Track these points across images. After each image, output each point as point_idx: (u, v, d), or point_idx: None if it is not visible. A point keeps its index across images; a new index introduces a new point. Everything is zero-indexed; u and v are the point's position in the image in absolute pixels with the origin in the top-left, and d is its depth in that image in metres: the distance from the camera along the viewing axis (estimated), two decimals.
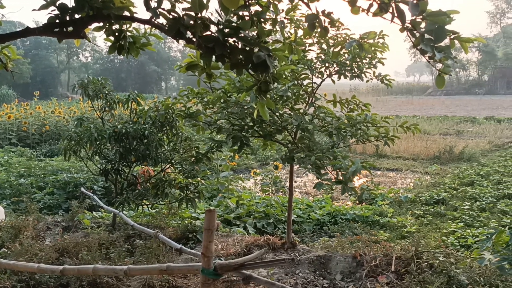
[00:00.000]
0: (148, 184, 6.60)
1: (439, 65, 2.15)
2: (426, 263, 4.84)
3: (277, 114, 5.24)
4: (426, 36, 1.98)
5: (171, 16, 2.35)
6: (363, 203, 9.68)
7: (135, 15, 2.70)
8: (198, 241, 6.23)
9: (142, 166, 6.99)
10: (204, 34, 2.46)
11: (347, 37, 5.02)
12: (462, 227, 8.11)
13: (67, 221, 7.35)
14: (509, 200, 10.21)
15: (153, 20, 2.43)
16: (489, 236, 3.21)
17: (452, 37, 2.07)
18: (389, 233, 7.87)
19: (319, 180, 4.33)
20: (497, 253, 3.03)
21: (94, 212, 8.02)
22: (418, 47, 2.00)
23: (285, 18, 4.09)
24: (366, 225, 8.33)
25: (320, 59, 5.53)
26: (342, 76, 5.55)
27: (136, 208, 6.93)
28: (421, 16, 1.95)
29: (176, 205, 6.61)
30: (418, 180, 13.08)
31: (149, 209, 7.59)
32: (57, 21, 2.53)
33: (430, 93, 75.54)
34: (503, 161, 15.58)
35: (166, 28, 2.39)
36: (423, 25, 2.00)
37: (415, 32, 2.00)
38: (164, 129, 6.29)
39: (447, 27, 2.11)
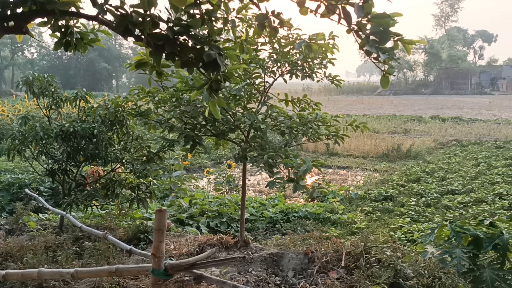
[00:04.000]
0: (97, 184, 6.43)
1: (384, 66, 2.22)
2: (374, 258, 4.98)
3: (230, 113, 5.24)
4: (372, 37, 2.04)
5: (118, 13, 2.30)
6: (315, 201, 9.85)
7: (81, 10, 2.62)
8: (150, 241, 6.14)
9: (91, 166, 6.80)
10: (154, 31, 2.42)
11: (299, 38, 5.09)
12: (409, 222, 8.43)
13: (11, 224, 7.05)
14: (452, 195, 10.70)
15: (100, 16, 2.37)
16: (431, 230, 3.35)
17: (396, 39, 2.15)
18: (340, 230, 8.07)
19: (272, 178, 4.38)
20: (439, 247, 3.17)
21: (40, 214, 7.73)
22: (364, 48, 2.06)
23: (236, 17, 4.09)
24: (318, 222, 8.49)
25: (272, 58, 5.57)
26: (294, 76, 5.61)
27: (85, 209, 6.74)
28: (366, 18, 2.01)
29: (127, 206, 6.48)
30: (367, 178, 13.46)
31: (99, 210, 7.40)
32: None
33: (379, 93, 77.80)
34: (447, 158, 16.31)
35: (114, 25, 2.33)
36: (368, 26, 2.06)
37: (361, 33, 2.06)
38: (114, 128, 6.14)
39: (391, 29, 2.19)
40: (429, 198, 10.33)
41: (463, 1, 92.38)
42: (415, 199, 10.31)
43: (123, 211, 6.93)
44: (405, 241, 7.27)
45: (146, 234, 6.32)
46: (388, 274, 4.63)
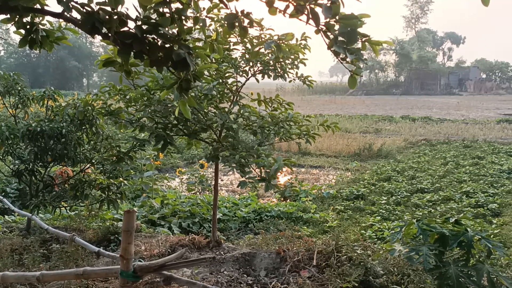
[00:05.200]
0: (66, 185, 6.30)
1: (352, 67, 2.25)
2: (345, 256, 5.03)
3: (201, 112, 5.21)
4: (340, 38, 2.06)
5: (84, 10, 2.25)
6: (288, 200, 9.90)
7: (46, 7, 2.55)
8: (120, 242, 6.04)
9: (60, 166, 6.65)
10: (121, 30, 2.38)
11: (271, 38, 5.09)
12: (379, 221, 8.56)
13: None
14: (421, 194, 10.93)
15: (65, 14, 2.31)
16: (399, 228, 3.41)
17: (363, 40, 2.17)
18: (312, 229, 8.12)
19: (244, 178, 4.37)
20: (407, 245, 3.23)
21: (6, 216, 7.52)
22: (332, 49, 2.08)
23: (206, 16, 4.07)
24: (290, 221, 8.53)
25: (244, 58, 5.56)
26: (266, 76, 5.62)
27: (53, 211, 6.59)
28: (334, 19, 2.03)
29: (97, 207, 6.37)
30: (339, 177, 13.60)
31: (68, 211, 7.25)
32: None
33: (351, 93, 78.75)
34: (416, 157, 16.64)
35: (80, 22, 2.28)
36: (336, 27, 2.07)
37: (329, 34, 2.07)
38: (83, 127, 6.03)
39: (361, 30, 2.22)
40: (399, 197, 10.52)
41: (432, 3, 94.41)
42: (385, 198, 10.48)
43: (93, 212, 6.81)
44: (376, 239, 7.38)
45: (116, 236, 6.23)
46: (359, 272, 4.69)
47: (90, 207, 6.73)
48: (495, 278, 3.23)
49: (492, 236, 7.44)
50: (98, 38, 2.47)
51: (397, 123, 29.06)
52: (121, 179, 6.36)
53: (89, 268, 3.17)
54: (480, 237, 3.12)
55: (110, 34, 2.31)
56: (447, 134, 23.35)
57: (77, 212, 7.17)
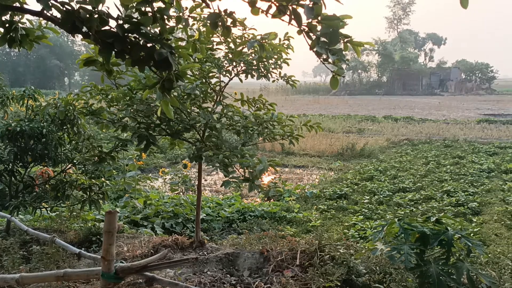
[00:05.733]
0: (47, 185, 6.20)
1: (334, 67, 2.26)
2: (328, 256, 5.06)
3: (184, 112, 5.18)
4: (322, 39, 2.07)
5: (64, 9, 2.22)
6: (271, 200, 9.92)
7: (26, 5, 2.51)
8: (102, 244, 5.98)
9: (40, 166, 6.55)
10: (103, 29, 2.35)
11: (254, 37, 5.09)
12: (362, 220, 8.63)
13: None
14: (403, 193, 11.05)
15: (45, 12, 2.28)
16: (381, 227, 3.44)
17: (345, 40, 2.18)
18: (295, 228, 8.15)
19: (227, 178, 4.36)
20: (388, 243, 3.26)
21: None
22: (314, 49, 2.09)
23: (189, 16, 4.05)
24: (274, 221, 8.55)
25: (228, 57, 5.55)
26: (250, 76, 5.62)
27: (34, 212, 6.49)
28: (316, 20, 2.03)
29: (79, 207, 6.29)
30: (323, 176, 13.68)
31: (49, 212, 7.14)
32: None
33: (335, 93, 79.21)
34: (398, 157, 16.82)
35: (60, 21, 2.25)
36: (319, 28, 2.08)
37: (311, 34, 2.08)
38: (64, 127, 5.94)
39: (344, 31, 2.23)
40: (381, 196, 10.62)
41: (414, 5, 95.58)
42: (368, 197, 10.57)
43: (74, 213, 6.72)
44: (358, 238, 7.44)
45: (98, 237, 6.16)
46: (341, 271, 4.71)
47: (71, 208, 6.64)
48: (474, 276, 3.29)
49: (472, 234, 7.56)
50: (80, 36, 2.44)
51: (379, 123, 29.33)
52: (103, 179, 6.30)
53: (70, 269, 3.13)
54: (460, 235, 3.17)
55: (91, 33, 2.28)
56: (428, 134, 23.65)
57: (58, 213, 7.06)
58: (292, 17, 2.00)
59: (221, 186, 4.26)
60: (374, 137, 22.18)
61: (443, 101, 57.97)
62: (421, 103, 53.73)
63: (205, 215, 8.35)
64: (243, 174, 4.30)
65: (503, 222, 8.44)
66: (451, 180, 12.43)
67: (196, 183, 9.86)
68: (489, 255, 5.92)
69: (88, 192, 6.04)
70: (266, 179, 12.87)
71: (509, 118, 32.70)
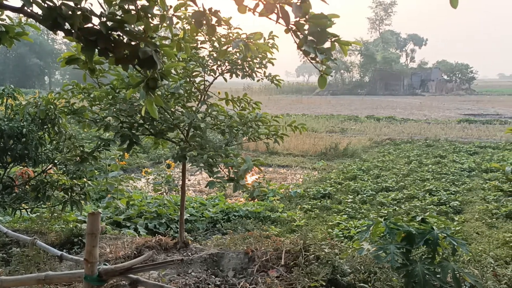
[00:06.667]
0: (27, 186, 6.07)
1: (322, 66, 2.24)
2: (313, 255, 5.06)
3: (168, 111, 5.12)
4: (309, 38, 2.05)
5: (46, 5, 2.16)
6: (255, 200, 9.90)
7: (5, 1, 2.44)
8: (84, 245, 5.87)
9: (20, 167, 6.41)
10: (85, 26, 2.30)
11: (238, 36, 5.06)
12: (346, 219, 8.67)
13: None
14: (386, 192, 11.14)
15: (26, 8, 2.21)
16: (367, 227, 3.44)
17: (333, 39, 2.17)
18: (280, 228, 8.15)
19: (212, 178, 4.32)
20: (375, 243, 3.26)
21: None
22: (302, 48, 2.07)
23: (173, 15, 4.00)
24: (258, 221, 8.53)
25: (212, 57, 5.51)
26: (234, 75, 5.59)
27: (13, 213, 6.35)
28: (304, 18, 2.01)
29: (60, 208, 6.18)
30: (306, 176, 13.70)
31: (29, 213, 7.00)
32: None
33: (318, 93, 79.70)
34: (381, 156, 16.97)
35: (41, 18, 2.19)
36: (306, 27, 2.06)
37: (299, 33, 2.06)
38: (45, 126, 5.82)
39: (329, 30, 2.21)
40: (365, 195, 10.69)
41: (396, 6, 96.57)
42: (351, 197, 10.63)
43: (55, 214, 6.60)
44: (343, 238, 7.46)
45: (80, 238, 6.07)
46: (326, 271, 4.72)
47: (52, 208, 6.52)
48: (458, 275, 3.31)
49: (454, 233, 7.65)
50: (61, 35, 2.38)
51: (362, 122, 29.56)
52: (85, 179, 6.19)
53: (52, 272, 3.06)
54: (445, 235, 3.19)
55: (73, 31, 2.22)
56: (410, 134, 23.91)
57: (38, 214, 6.94)
58: (280, 15, 1.98)
59: (205, 186, 4.22)
60: (357, 137, 22.33)
61: (424, 101, 58.71)
62: (402, 103, 54.32)
63: (189, 215, 8.29)
64: (227, 174, 4.27)
65: (484, 221, 8.57)
66: (433, 179, 12.57)
67: (180, 183, 9.80)
68: (471, 253, 5.99)
69: (69, 193, 5.93)
70: (250, 179, 12.85)
71: (489, 118, 33.29)
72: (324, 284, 4.57)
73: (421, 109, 44.46)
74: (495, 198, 10.03)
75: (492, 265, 5.27)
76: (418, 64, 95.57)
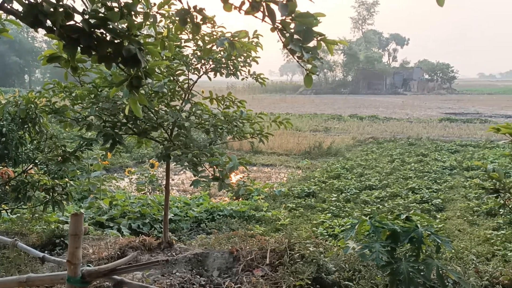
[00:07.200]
0: (7, 186, 5.95)
1: (308, 65, 2.24)
2: (298, 254, 5.07)
3: (152, 110, 5.07)
4: (295, 36, 2.04)
5: (27, 2, 2.11)
6: (240, 199, 9.88)
7: None
8: (66, 246, 5.80)
9: (0, 167, 6.29)
10: (67, 23, 2.25)
11: (223, 35, 5.03)
12: (330, 218, 8.71)
13: None
14: (370, 191, 11.23)
15: (5, 4, 2.16)
16: (352, 226, 3.46)
17: (319, 38, 2.17)
18: (265, 227, 8.14)
19: (196, 177, 4.29)
20: (360, 242, 3.28)
21: None
22: (288, 47, 2.06)
23: (157, 12, 3.96)
24: (243, 220, 8.52)
25: (196, 55, 5.48)
26: (219, 74, 5.56)
27: None
28: (290, 17, 2.01)
29: (41, 209, 6.07)
30: (291, 175, 13.73)
31: (9, 214, 6.87)
32: None
33: (301, 92, 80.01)
34: (364, 155, 17.10)
35: (22, 14, 2.14)
36: (292, 25, 2.06)
37: (285, 32, 2.05)
38: (25, 126, 5.71)
39: (315, 29, 2.21)
40: (348, 194, 10.75)
41: (378, 5, 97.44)
42: (335, 195, 10.68)
43: (37, 215, 6.49)
44: (327, 236, 7.49)
45: (62, 239, 5.98)
46: (311, 270, 4.73)
47: (33, 209, 6.41)
48: (442, 272, 3.35)
49: (437, 230, 7.75)
50: (41, 32, 2.33)
51: (345, 121, 29.75)
52: (66, 179, 6.09)
53: (33, 274, 3.00)
54: (430, 233, 3.22)
55: (55, 28, 2.18)
56: (393, 133, 24.14)
57: (19, 215, 6.81)
58: (266, 14, 1.97)
59: (190, 185, 4.20)
60: (341, 136, 22.46)
61: (406, 100, 59.35)
62: (385, 102, 54.84)
63: (173, 215, 8.24)
64: (212, 173, 4.24)
65: (465, 218, 8.69)
66: (416, 177, 12.71)
67: (163, 183, 9.73)
68: (454, 250, 6.07)
69: (51, 193, 5.83)
70: (235, 178, 12.82)
71: (469, 117, 33.81)
72: (309, 282, 4.59)
73: (403, 108, 44.94)
74: (476, 195, 10.19)
75: (474, 261, 5.34)
76: (400, 63, 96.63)
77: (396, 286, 3.07)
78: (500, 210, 8.65)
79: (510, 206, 4.43)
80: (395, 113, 38.32)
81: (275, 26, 2.02)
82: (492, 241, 7.23)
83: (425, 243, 3.24)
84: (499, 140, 17.43)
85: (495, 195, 4.02)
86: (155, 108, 5.13)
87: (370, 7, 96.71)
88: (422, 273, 3.06)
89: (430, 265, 3.06)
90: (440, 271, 3.16)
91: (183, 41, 5.30)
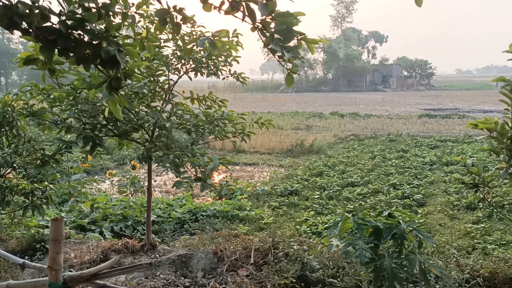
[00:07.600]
0: None
1: (289, 65, 2.24)
2: (282, 253, 5.08)
3: (132, 111, 5.02)
4: (276, 36, 2.04)
5: (1, 3, 2.06)
6: (223, 199, 9.86)
7: None
8: (47, 251, 5.70)
9: None
10: (44, 25, 2.21)
11: (202, 35, 5.01)
12: (313, 215, 8.75)
13: None
14: (352, 187, 11.32)
15: None
16: (335, 223, 3.48)
17: (299, 37, 2.17)
18: (248, 226, 8.14)
19: (179, 178, 4.27)
20: (343, 239, 3.30)
21: None
22: (269, 47, 2.06)
23: (136, 13, 3.92)
24: (227, 220, 8.50)
25: (176, 55, 5.44)
26: (199, 73, 5.54)
27: None
28: (270, 16, 2.00)
29: (20, 214, 5.96)
30: (273, 173, 13.75)
31: None
32: None
33: (282, 90, 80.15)
34: (346, 152, 17.22)
35: None
36: (272, 25, 2.05)
37: (265, 32, 2.05)
38: (2, 129, 5.60)
39: (295, 28, 2.21)
40: (331, 191, 10.82)
41: (357, 3, 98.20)
42: (318, 193, 10.74)
43: (16, 220, 6.37)
44: (311, 234, 7.53)
45: (43, 244, 5.88)
46: (296, 268, 4.75)
47: (12, 214, 6.29)
48: (424, 267, 3.39)
49: (419, 225, 7.85)
50: (17, 34, 2.28)
51: (326, 119, 29.92)
52: (46, 183, 5.99)
53: (13, 281, 2.94)
54: (412, 228, 3.26)
55: (31, 30, 2.13)
56: (373, 129, 24.38)
57: None
58: (246, 13, 1.96)
59: (172, 186, 4.17)
60: (322, 133, 22.59)
61: (386, 97, 59.97)
62: (365, 99, 55.31)
63: (155, 216, 8.17)
64: (194, 173, 4.22)
65: (446, 213, 8.83)
66: (397, 173, 12.86)
67: (145, 184, 9.65)
68: (435, 245, 6.16)
69: (30, 197, 5.73)
70: (217, 177, 12.79)
71: (448, 112, 34.35)
72: (294, 281, 4.60)
73: (383, 104, 45.40)
74: (456, 190, 10.35)
75: (455, 255, 5.42)
76: (379, 60, 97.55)
77: (380, 282, 3.10)
78: (480, 204, 8.81)
79: (489, 200, 4.51)
80: (375, 110, 38.68)
81: (256, 25, 2.02)
82: (472, 234, 7.36)
83: (408, 239, 3.27)
84: (478, 135, 17.77)
85: (474, 189, 4.09)
86: (136, 109, 5.08)
87: (349, 5, 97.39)
88: (405, 269, 3.09)
89: (413, 261, 3.10)
90: (423, 266, 3.20)
91: (162, 41, 5.26)
